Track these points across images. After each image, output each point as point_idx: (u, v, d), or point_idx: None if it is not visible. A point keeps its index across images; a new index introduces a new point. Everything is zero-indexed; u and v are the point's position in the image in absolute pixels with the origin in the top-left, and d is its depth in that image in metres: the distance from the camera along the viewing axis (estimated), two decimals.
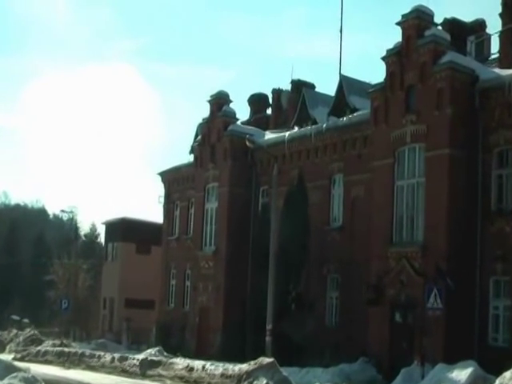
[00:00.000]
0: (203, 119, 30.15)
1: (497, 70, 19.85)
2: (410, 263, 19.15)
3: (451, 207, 18.42)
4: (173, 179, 34.09)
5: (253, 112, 33.50)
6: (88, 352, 25.50)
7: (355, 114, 23.65)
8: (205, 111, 30.05)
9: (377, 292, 19.82)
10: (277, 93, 31.66)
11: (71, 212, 46.35)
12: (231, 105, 29.40)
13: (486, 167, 18.64)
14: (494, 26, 22.23)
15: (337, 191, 24.22)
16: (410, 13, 20.03)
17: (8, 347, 33.28)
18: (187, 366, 19.56)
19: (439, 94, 19.06)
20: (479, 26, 23.52)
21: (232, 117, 28.95)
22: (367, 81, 25.81)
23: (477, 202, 18.69)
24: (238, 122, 29.51)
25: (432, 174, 19.01)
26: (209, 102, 29.68)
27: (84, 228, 66.77)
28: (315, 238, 23.23)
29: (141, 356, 22.65)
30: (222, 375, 17.69)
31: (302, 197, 23.28)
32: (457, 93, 18.89)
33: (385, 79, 20.99)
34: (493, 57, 22.55)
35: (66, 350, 27.38)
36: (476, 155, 18.72)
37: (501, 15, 21.19)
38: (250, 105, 33.98)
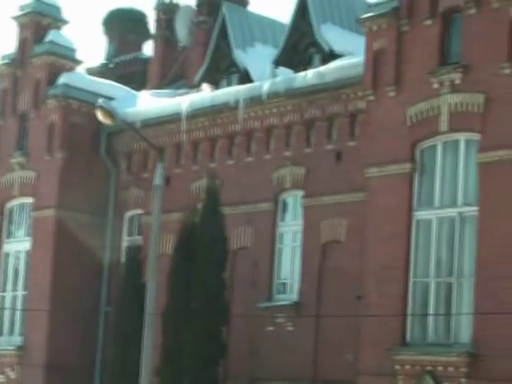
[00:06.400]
0: (2, 58, 30.64)
1: None
2: None
3: None
4: None
5: (113, 49, 33.81)
6: None
7: (332, 65, 24.06)
8: (6, 42, 30.44)
9: None
10: (165, 11, 32.30)
11: None
12: (65, 29, 30.14)
13: None
14: None
15: (289, 223, 24.94)
16: None
17: None
18: None
19: None
20: None
21: (67, 57, 29.37)
22: None
23: None
24: (81, 69, 30.10)
25: None
26: (15, 19, 30.29)
27: None
28: (240, 329, 23.86)
29: None
30: None
31: (216, 236, 23.47)
32: None
33: None
34: None
35: None
36: None
37: None
38: (106, 33, 34.42)
